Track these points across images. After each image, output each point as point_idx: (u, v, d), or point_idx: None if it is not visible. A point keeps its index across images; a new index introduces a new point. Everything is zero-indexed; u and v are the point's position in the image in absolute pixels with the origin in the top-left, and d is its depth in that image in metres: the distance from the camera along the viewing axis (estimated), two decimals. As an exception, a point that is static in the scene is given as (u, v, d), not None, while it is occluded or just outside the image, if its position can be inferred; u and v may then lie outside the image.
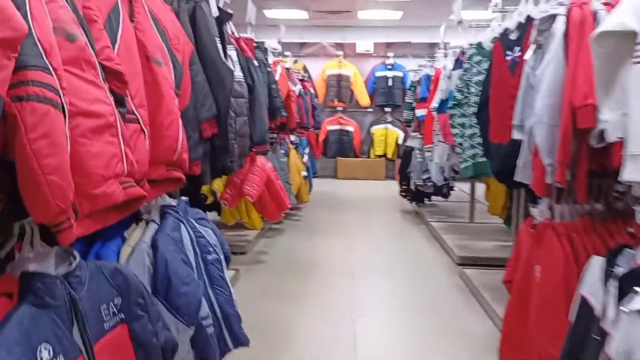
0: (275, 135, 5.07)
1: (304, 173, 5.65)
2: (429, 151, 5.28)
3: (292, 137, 6.07)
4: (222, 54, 2.23)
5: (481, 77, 2.99)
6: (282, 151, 5.33)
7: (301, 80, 6.79)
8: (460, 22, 4.60)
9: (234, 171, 2.33)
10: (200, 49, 2.08)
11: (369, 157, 9.20)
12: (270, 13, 8.14)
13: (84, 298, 1.08)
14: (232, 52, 2.42)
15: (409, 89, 7.16)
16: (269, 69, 3.91)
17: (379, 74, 9.04)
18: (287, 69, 5.84)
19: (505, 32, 2.49)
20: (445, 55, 4.41)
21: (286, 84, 4.69)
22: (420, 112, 5.24)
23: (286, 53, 8.77)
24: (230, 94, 2.12)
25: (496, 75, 2.54)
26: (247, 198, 3.70)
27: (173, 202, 1.74)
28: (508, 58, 2.45)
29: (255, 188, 3.70)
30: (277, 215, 4.06)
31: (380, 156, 9.14)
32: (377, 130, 9.11)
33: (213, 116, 2.05)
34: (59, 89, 0.95)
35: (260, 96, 2.98)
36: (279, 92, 4.19)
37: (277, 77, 4.49)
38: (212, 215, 4.52)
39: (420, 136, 5.69)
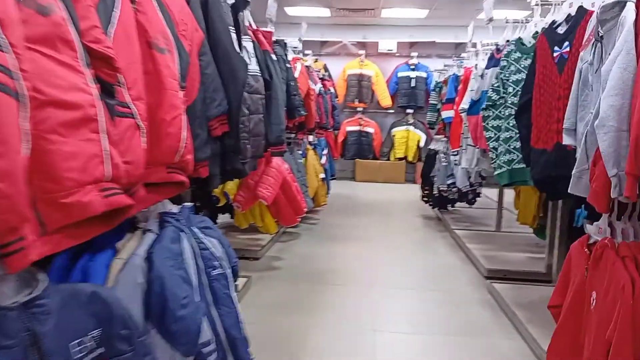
0: (293, 135, 4.86)
1: (322, 175, 5.42)
2: (454, 155, 5.02)
3: (310, 138, 5.86)
4: (236, 45, 2.02)
5: (520, 76, 2.73)
6: (300, 152, 5.11)
7: (321, 79, 6.57)
8: (490, 19, 4.35)
9: (245, 175, 2.11)
10: (212, 37, 1.87)
11: (389, 159, 8.94)
12: (291, 10, 7.94)
13: (50, 332, 0.87)
14: (247, 44, 2.21)
15: (434, 90, 6.89)
16: (288, 65, 3.70)
17: (401, 74, 8.78)
18: (307, 67, 5.64)
19: (552, 26, 2.24)
20: (477, 54, 4.14)
21: (306, 82, 4.48)
22: (446, 114, 4.98)
23: (307, 51, 8.57)
24: (243, 88, 1.91)
25: (541, 73, 2.29)
26: (261, 201, 3.49)
27: (175, 208, 1.53)
28: (555, 54, 2.20)
29: (270, 190, 3.48)
30: (292, 220, 3.84)
31: (400, 159, 8.88)
32: (398, 132, 8.85)
33: (224, 113, 1.84)
34: (16, 71, 0.74)
35: (278, 93, 2.76)
36: (299, 90, 3.98)
37: (296, 75, 4.28)
38: (224, 218, 4.33)
39: (445, 139, 5.43)
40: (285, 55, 3.80)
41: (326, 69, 8.68)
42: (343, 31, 8.98)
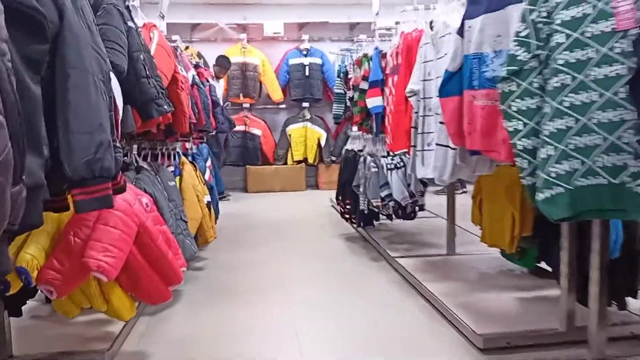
0: (157, 146, 3.27)
1: (207, 198, 3.83)
2: (388, 157, 3.72)
3: (188, 145, 4.27)
4: None
5: (587, 7, 1.42)
6: (172, 169, 3.50)
7: (196, 67, 4.98)
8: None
9: None
10: None
11: (286, 163, 7.52)
12: (148, -18, 6.17)
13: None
14: None
15: (338, 77, 5.60)
16: (131, 24, 2.11)
17: (292, 61, 7.38)
18: (175, 48, 4.06)
19: None
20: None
21: (170, 62, 2.88)
22: (373, 102, 3.66)
23: (174, 37, 6.95)
24: None
25: None
26: (96, 275, 1.87)
27: None
28: None
29: (112, 255, 1.87)
30: (162, 295, 2.24)
31: (299, 161, 7.50)
32: (295, 130, 7.45)
33: None
34: None
35: (84, 58, 1.19)
36: (157, 72, 2.40)
37: (152, 48, 2.71)
38: (31, 310, 2.60)
39: (369, 136, 4.12)
40: (127, 7, 2.20)
41: (200, 57, 7.05)
42: (218, 12, 7.38)
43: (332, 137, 7.53)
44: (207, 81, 5.35)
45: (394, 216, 3.91)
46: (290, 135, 7.44)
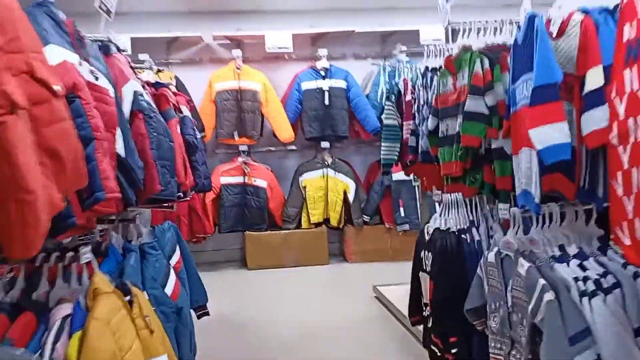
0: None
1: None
2: (573, 260, 1.61)
3: (144, 232, 2.19)
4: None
5: None
6: (67, 312, 1.38)
7: (155, 86, 2.92)
8: None
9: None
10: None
11: (299, 226, 5.38)
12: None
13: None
14: None
15: (388, 100, 3.53)
16: None
17: (306, 85, 5.33)
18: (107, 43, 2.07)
19: None
20: None
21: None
22: (552, 136, 1.55)
23: (141, 56, 5.04)
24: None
25: None
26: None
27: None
28: None
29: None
30: None
31: (318, 224, 5.38)
32: (311, 180, 5.34)
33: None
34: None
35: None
36: None
37: None
38: None
39: (500, 209, 2.00)
40: None
41: (177, 80, 5.05)
42: (203, 22, 5.42)
43: (362, 188, 5.44)
44: (180, 111, 3.28)
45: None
46: (305, 187, 5.32)
